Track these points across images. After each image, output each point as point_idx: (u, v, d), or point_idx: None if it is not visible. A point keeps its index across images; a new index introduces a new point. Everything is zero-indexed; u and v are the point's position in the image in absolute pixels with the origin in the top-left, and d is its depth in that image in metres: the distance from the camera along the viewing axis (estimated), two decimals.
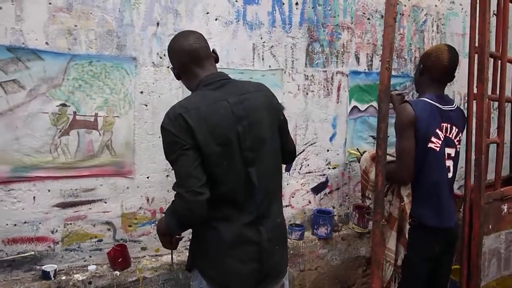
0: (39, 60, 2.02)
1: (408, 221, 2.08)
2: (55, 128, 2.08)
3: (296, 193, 2.80)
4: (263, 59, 2.57)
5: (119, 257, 2.21)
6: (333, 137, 2.90)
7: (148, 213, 2.36)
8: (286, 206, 2.78)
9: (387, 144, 1.94)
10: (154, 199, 2.36)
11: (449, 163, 2.10)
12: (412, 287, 2.13)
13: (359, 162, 2.52)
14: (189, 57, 1.63)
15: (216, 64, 1.72)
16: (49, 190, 2.11)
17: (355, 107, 2.95)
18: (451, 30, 3.30)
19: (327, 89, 2.82)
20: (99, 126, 2.18)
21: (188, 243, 1.77)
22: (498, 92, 2.41)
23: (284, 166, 1.95)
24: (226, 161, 1.53)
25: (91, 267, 2.19)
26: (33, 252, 2.10)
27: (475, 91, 2.20)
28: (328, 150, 2.89)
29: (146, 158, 2.30)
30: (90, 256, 2.25)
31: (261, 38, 2.55)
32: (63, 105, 2.09)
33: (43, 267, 2.08)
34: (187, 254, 1.83)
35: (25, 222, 2.08)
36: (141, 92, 2.26)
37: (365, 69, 2.95)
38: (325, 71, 2.80)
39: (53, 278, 2.06)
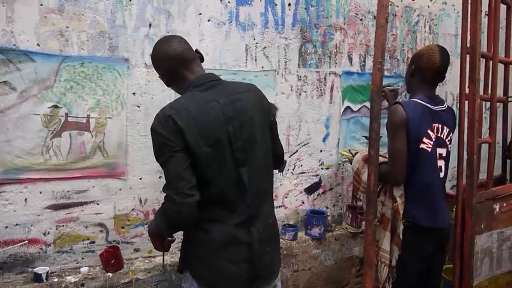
0: (31, 62, 2.01)
1: (402, 222, 2.08)
2: (47, 129, 2.07)
3: (289, 193, 2.80)
4: (256, 60, 2.57)
5: (112, 258, 2.20)
6: (326, 137, 2.91)
7: (141, 214, 2.35)
8: (280, 206, 2.79)
9: (379, 144, 1.95)
10: (147, 201, 2.35)
11: (441, 163, 2.12)
12: (406, 287, 2.14)
13: (351, 164, 2.53)
14: (175, 61, 1.62)
15: (202, 63, 1.71)
16: (40, 192, 2.10)
17: (348, 107, 2.96)
18: (444, 31, 3.32)
19: (320, 90, 2.83)
20: (91, 127, 2.17)
21: (180, 244, 1.76)
22: (489, 92, 2.43)
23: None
24: (217, 162, 1.53)
25: (84, 269, 2.18)
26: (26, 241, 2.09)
27: (467, 91, 2.21)
28: (321, 151, 2.89)
29: (139, 160, 2.30)
30: (83, 258, 2.24)
31: (254, 39, 2.55)
32: (55, 106, 2.08)
33: (35, 269, 2.07)
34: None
35: (16, 224, 2.07)
36: (134, 93, 2.26)
37: (358, 70, 2.96)
38: (318, 71, 2.80)
39: (45, 280, 2.05)
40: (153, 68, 2.26)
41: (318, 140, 2.87)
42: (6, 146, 2.00)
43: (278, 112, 2.67)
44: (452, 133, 2.16)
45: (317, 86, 2.81)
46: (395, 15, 3.07)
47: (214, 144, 1.52)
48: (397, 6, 3.07)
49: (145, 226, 2.36)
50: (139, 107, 2.28)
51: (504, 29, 2.71)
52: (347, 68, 2.91)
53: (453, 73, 3.18)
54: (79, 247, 2.22)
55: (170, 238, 1.76)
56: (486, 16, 2.54)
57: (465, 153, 2.22)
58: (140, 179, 2.32)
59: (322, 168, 2.92)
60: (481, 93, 2.34)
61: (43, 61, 2.03)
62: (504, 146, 2.81)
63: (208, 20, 2.41)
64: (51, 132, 2.08)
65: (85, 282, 2.13)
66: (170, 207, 1.50)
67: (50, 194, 2.12)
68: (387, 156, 2.11)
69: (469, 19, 2.19)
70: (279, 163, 1.88)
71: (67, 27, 2.07)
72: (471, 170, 2.17)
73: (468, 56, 2.21)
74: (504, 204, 2.42)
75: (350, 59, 2.92)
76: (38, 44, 2.02)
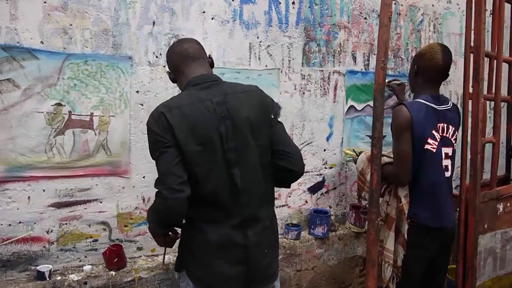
0: (34, 59, 2.01)
1: (407, 222, 2.08)
2: (50, 127, 2.07)
3: (293, 192, 2.79)
4: (259, 58, 2.57)
5: (115, 257, 2.20)
6: (330, 136, 2.90)
7: (144, 213, 2.35)
8: (283, 205, 2.78)
9: (382, 144, 1.94)
10: (150, 199, 2.35)
11: (447, 162, 2.11)
12: (410, 286, 2.14)
13: (355, 163, 2.52)
14: (180, 56, 1.66)
15: (212, 68, 1.72)
16: (44, 190, 2.10)
17: (352, 106, 2.95)
18: (448, 30, 3.30)
19: (324, 89, 2.82)
20: (94, 125, 2.17)
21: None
22: (493, 92, 2.41)
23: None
24: (207, 161, 1.53)
25: (87, 267, 2.18)
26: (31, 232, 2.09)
27: (471, 90, 2.20)
28: (324, 150, 2.89)
29: (142, 158, 2.30)
30: (86, 256, 2.24)
31: (258, 37, 2.55)
32: (58, 104, 2.08)
33: (38, 268, 2.07)
34: None
35: (20, 222, 2.07)
36: (137, 91, 2.25)
37: (362, 69, 2.95)
38: (322, 70, 2.80)
39: (48, 279, 2.05)
40: (156, 66, 2.28)
41: (322, 139, 2.87)
42: (10, 144, 2.00)
43: (281, 111, 2.66)
44: (458, 132, 2.15)
45: (320, 85, 2.80)
46: (400, 14, 3.05)
47: (205, 143, 1.52)
48: (402, 5, 3.05)
49: (147, 224, 2.36)
50: (142, 105, 2.27)
51: (508, 28, 2.70)
52: (351, 67, 2.91)
53: (457, 73, 3.17)
54: (82, 245, 2.22)
55: (172, 234, 1.76)
56: (491, 15, 2.52)
57: (468, 152, 2.21)
58: (143, 177, 2.32)
59: (326, 167, 2.92)
60: (485, 92, 2.33)
61: (46, 58, 2.03)
62: (508, 146, 2.79)
63: (212, 18, 2.40)
64: (55, 130, 2.09)
65: (88, 281, 2.13)
66: (160, 202, 1.51)
67: (53, 192, 2.12)
68: (392, 157, 2.10)
69: (473, 18, 2.18)
70: (292, 174, 1.71)
71: (71, 25, 2.07)
72: (474, 170, 2.16)
73: (472, 55, 2.20)
74: (508, 204, 2.41)
75: (354, 58, 2.91)
76: (41, 42, 2.02)
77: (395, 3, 2.96)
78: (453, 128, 2.11)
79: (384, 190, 2.20)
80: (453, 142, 2.12)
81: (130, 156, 2.27)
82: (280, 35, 2.62)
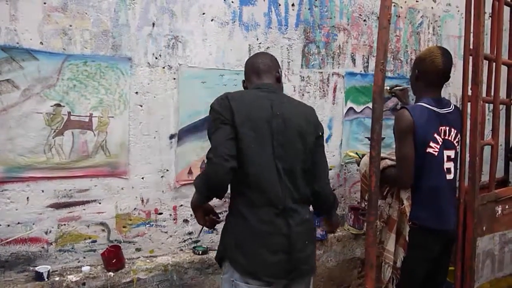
0: (34, 60, 2.01)
1: (409, 224, 2.09)
2: (50, 128, 2.08)
3: None
4: None
5: (113, 258, 2.20)
6: (329, 138, 2.90)
7: (143, 214, 2.35)
8: None
9: (381, 146, 1.94)
10: (148, 200, 2.35)
11: (450, 164, 2.12)
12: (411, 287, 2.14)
13: (358, 165, 2.52)
14: (252, 68, 1.89)
15: (278, 83, 1.89)
16: (42, 191, 2.10)
17: (351, 108, 2.95)
18: (447, 32, 3.31)
19: (323, 91, 2.82)
20: (93, 126, 2.17)
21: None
22: (492, 94, 2.42)
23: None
24: (257, 145, 1.67)
25: (85, 268, 2.18)
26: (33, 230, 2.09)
27: (470, 93, 2.20)
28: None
29: (141, 159, 2.30)
30: (84, 257, 2.24)
31: (257, 39, 2.55)
32: (58, 105, 2.08)
33: (36, 268, 2.07)
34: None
35: (18, 223, 2.07)
36: (136, 92, 2.26)
37: (361, 71, 2.96)
38: (321, 72, 2.80)
39: (46, 279, 2.05)
40: (156, 68, 2.29)
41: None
42: (9, 144, 2.00)
43: None
44: (460, 134, 2.16)
45: (320, 87, 2.81)
46: (399, 16, 3.06)
47: (257, 131, 1.68)
48: (401, 7, 3.06)
49: (147, 225, 2.36)
50: (141, 106, 2.28)
51: (507, 31, 2.70)
52: (350, 69, 2.91)
53: (456, 75, 3.16)
54: (80, 246, 2.22)
55: (213, 216, 1.82)
56: (490, 18, 2.53)
57: (467, 155, 2.21)
58: (142, 178, 2.32)
59: None
60: (484, 95, 2.33)
61: (46, 59, 2.04)
62: (506, 148, 2.79)
63: (212, 20, 2.41)
64: (54, 130, 2.09)
65: (87, 281, 2.13)
66: (208, 168, 1.64)
67: (52, 192, 2.12)
68: (395, 160, 2.11)
69: (472, 21, 2.18)
70: (321, 199, 1.87)
71: (70, 26, 2.08)
72: (473, 172, 2.16)
73: (471, 57, 2.20)
74: (506, 207, 2.41)
75: (354, 60, 2.92)
76: (41, 43, 2.02)
77: (394, 6, 2.96)
78: (455, 131, 2.12)
79: (386, 192, 2.21)
80: (456, 144, 2.13)
81: (129, 157, 2.27)
82: (279, 37, 2.63)
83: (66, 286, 2.09)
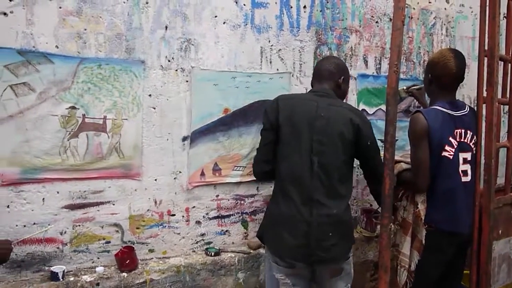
0: (49, 63, 2.04)
1: (425, 227, 2.09)
2: (65, 130, 2.11)
3: None
4: (271, 62, 2.57)
5: (127, 259, 2.22)
6: None
7: (156, 215, 2.37)
8: None
9: (395, 148, 1.93)
10: (161, 202, 2.37)
11: (466, 167, 2.10)
12: None
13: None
14: (315, 73, 2.14)
15: (338, 89, 2.08)
16: (58, 192, 2.13)
17: (363, 110, 2.94)
18: (461, 33, 3.28)
19: None
20: (107, 128, 2.20)
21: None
22: (508, 96, 2.39)
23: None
24: (295, 142, 1.92)
25: (99, 269, 2.20)
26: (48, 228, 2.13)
27: (484, 94, 2.18)
28: None
29: (154, 161, 2.32)
30: (98, 258, 2.26)
31: (269, 41, 2.56)
32: (73, 107, 2.11)
33: (51, 268, 2.10)
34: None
35: (34, 223, 2.10)
36: (150, 95, 2.28)
37: (373, 72, 2.94)
38: None
39: (61, 279, 2.08)
40: (169, 70, 2.30)
41: None
42: (25, 146, 2.03)
43: None
44: (476, 136, 2.14)
45: None
46: (411, 17, 3.04)
47: (297, 129, 1.92)
48: (414, 9, 3.04)
49: (160, 227, 2.38)
50: (154, 108, 2.30)
51: None
52: (362, 70, 2.90)
53: (470, 76, 3.13)
54: (94, 246, 2.25)
55: None
56: (504, 19, 2.50)
57: (482, 157, 2.19)
58: (155, 180, 2.33)
59: None
60: (499, 96, 2.30)
61: (61, 62, 2.07)
62: None
63: (224, 23, 2.42)
64: (69, 132, 2.12)
65: (101, 282, 2.15)
66: (252, 167, 2.18)
67: (67, 194, 2.15)
68: (411, 164, 2.11)
69: (487, 22, 2.16)
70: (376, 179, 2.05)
71: (85, 29, 2.10)
72: (488, 174, 2.13)
73: (486, 59, 2.18)
74: None
75: (366, 62, 2.91)
76: (56, 46, 2.05)
77: (407, 7, 2.94)
78: (471, 133, 2.11)
79: (401, 195, 2.21)
80: (472, 147, 2.12)
81: (143, 159, 2.29)
82: (291, 39, 2.63)
83: (81, 286, 2.11)
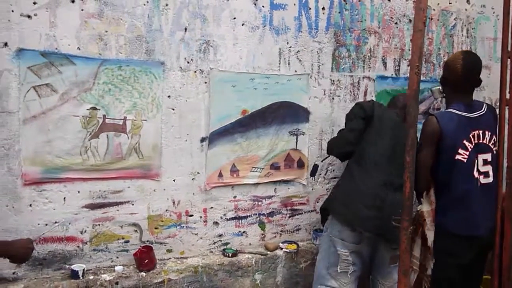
0: (71, 65, 2.08)
1: (433, 230, 2.06)
2: (85, 131, 2.14)
3: (321, 198, 2.77)
4: (289, 64, 2.57)
5: (145, 258, 2.24)
6: None
7: (174, 215, 2.38)
8: (311, 211, 2.77)
9: (415, 151, 1.90)
10: (180, 202, 2.38)
11: (487, 168, 2.08)
12: None
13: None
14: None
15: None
16: (78, 191, 2.16)
17: None
18: (482, 34, 3.22)
19: (354, 94, 2.80)
20: (127, 129, 2.22)
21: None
22: None
23: None
24: (380, 132, 2.25)
25: (118, 268, 2.23)
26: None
27: (507, 96, 2.14)
28: None
29: (173, 162, 2.33)
30: (117, 257, 2.29)
31: (288, 43, 2.56)
32: (93, 108, 2.14)
33: (72, 267, 2.14)
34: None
35: (55, 222, 2.13)
36: (169, 96, 2.30)
37: (392, 74, 2.91)
38: (352, 76, 2.77)
39: (81, 278, 2.11)
40: (188, 72, 2.32)
41: None
42: (47, 146, 2.07)
43: (310, 116, 2.66)
44: (495, 134, 2.11)
45: (350, 91, 2.78)
46: (431, 18, 3.00)
47: (382, 124, 2.27)
48: (434, 10, 3.00)
49: (178, 227, 2.40)
50: (173, 109, 2.31)
51: None
52: (381, 72, 2.87)
53: (491, 78, 3.09)
54: (114, 246, 2.27)
55: None
56: None
57: (505, 161, 2.14)
58: (174, 180, 2.35)
59: None
60: None
61: (83, 64, 2.10)
62: None
63: (242, 24, 2.43)
64: (89, 133, 2.15)
65: (119, 281, 2.18)
66: (334, 138, 2.48)
67: (87, 193, 2.18)
68: None
69: (510, 22, 2.12)
70: None
71: (106, 31, 2.13)
72: (511, 178, 2.09)
73: (509, 60, 2.14)
74: None
75: (384, 63, 2.88)
76: (78, 48, 2.09)
77: (427, 8, 2.91)
78: (490, 133, 2.09)
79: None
80: (492, 147, 2.09)
81: (162, 160, 2.31)
82: (309, 40, 2.62)
83: (100, 285, 2.14)
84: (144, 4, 2.19)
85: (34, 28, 1.99)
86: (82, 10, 2.08)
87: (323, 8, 2.64)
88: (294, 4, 2.55)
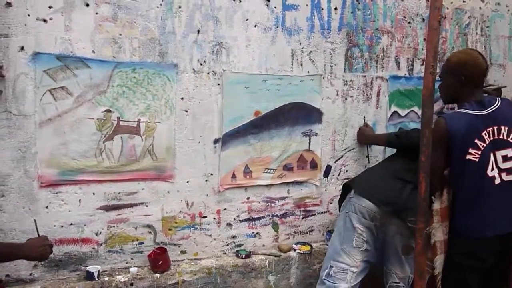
0: (86, 68, 2.10)
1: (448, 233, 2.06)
2: (100, 133, 2.15)
3: (334, 199, 2.76)
4: (301, 64, 2.56)
5: (160, 260, 2.25)
6: None
7: (188, 217, 2.39)
8: (324, 212, 2.76)
9: (430, 151, 1.89)
10: (193, 204, 2.39)
11: (509, 164, 2.02)
12: None
13: None
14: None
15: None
16: (93, 193, 2.18)
17: (395, 112, 2.89)
18: (497, 33, 3.18)
19: (367, 94, 2.78)
20: (141, 131, 2.24)
21: None
22: None
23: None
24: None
25: (133, 269, 2.24)
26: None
27: None
28: (367, 156, 2.84)
29: (186, 163, 2.34)
30: (132, 258, 2.30)
31: (300, 43, 2.55)
32: (108, 111, 2.16)
33: (87, 268, 2.15)
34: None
35: (71, 224, 2.16)
36: (182, 98, 2.30)
37: (405, 74, 2.89)
38: (365, 76, 2.76)
39: (96, 279, 2.13)
40: (201, 74, 2.33)
41: (364, 146, 2.82)
42: (63, 149, 2.09)
43: (323, 117, 2.65)
44: None
45: (363, 91, 2.77)
46: (445, 17, 2.97)
47: None
48: (447, 8, 2.97)
49: (192, 228, 2.40)
50: (187, 111, 2.32)
51: None
52: (394, 72, 2.85)
53: (506, 76, 3.05)
54: (128, 247, 2.29)
55: None
56: None
57: None
58: (187, 182, 2.36)
59: None
60: None
61: (97, 67, 2.12)
62: None
63: (255, 26, 2.43)
64: (104, 135, 2.16)
65: (134, 282, 2.19)
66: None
67: (102, 195, 2.20)
68: None
69: None
70: None
71: (120, 34, 2.15)
72: None
73: None
74: None
75: (398, 63, 2.86)
76: (93, 51, 2.11)
77: None
78: (507, 128, 2.02)
79: None
80: (511, 141, 2.03)
81: (175, 162, 2.32)
82: (322, 41, 2.61)
83: (115, 286, 2.16)
84: (158, 7, 2.20)
85: (49, 32, 2.02)
86: (96, 13, 2.10)
87: (335, 8, 2.63)
88: (307, 5, 2.54)
